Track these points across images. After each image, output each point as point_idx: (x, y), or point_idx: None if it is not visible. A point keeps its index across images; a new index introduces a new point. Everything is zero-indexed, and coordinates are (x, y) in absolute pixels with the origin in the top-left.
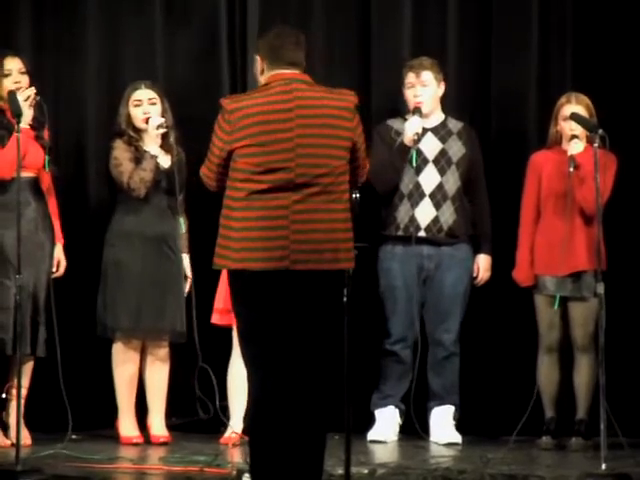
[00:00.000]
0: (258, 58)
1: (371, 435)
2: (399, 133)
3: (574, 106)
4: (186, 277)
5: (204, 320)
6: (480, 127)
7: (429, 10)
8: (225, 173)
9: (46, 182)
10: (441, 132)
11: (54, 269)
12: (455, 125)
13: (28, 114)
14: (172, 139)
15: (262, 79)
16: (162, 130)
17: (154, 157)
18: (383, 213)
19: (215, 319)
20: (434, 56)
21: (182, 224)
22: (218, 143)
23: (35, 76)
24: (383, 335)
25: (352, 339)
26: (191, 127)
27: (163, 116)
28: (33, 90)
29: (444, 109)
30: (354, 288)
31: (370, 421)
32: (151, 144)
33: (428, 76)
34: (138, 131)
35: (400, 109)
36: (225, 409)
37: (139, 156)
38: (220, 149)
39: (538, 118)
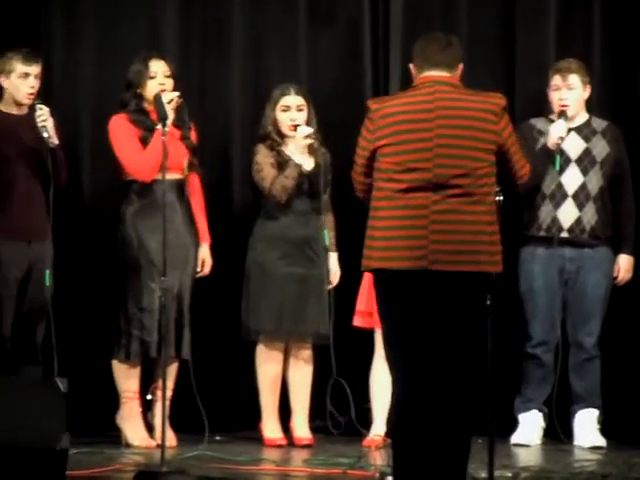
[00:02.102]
0: (411, 66)
1: (514, 439)
2: (542, 132)
3: None
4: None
5: (347, 322)
6: (627, 127)
7: (574, 11)
8: (369, 175)
9: (193, 183)
10: (585, 131)
11: (199, 269)
12: (599, 124)
13: (172, 116)
14: (316, 143)
15: (414, 83)
16: (310, 140)
17: (298, 165)
18: (525, 214)
19: (357, 321)
20: (578, 57)
21: (326, 225)
22: (362, 142)
23: (180, 78)
24: (525, 338)
25: (495, 342)
26: (333, 129)
27: (309, 122)
28: (177, 93)
29: (589, 110)
30: (496, 290)
31: (513, 424)
32: (295, 150)
33: (575, 79)
34: (282, 136)
35: (543, 111)
36: (367, 412)
37: (281, 161)
38: (364, 148)
39: None
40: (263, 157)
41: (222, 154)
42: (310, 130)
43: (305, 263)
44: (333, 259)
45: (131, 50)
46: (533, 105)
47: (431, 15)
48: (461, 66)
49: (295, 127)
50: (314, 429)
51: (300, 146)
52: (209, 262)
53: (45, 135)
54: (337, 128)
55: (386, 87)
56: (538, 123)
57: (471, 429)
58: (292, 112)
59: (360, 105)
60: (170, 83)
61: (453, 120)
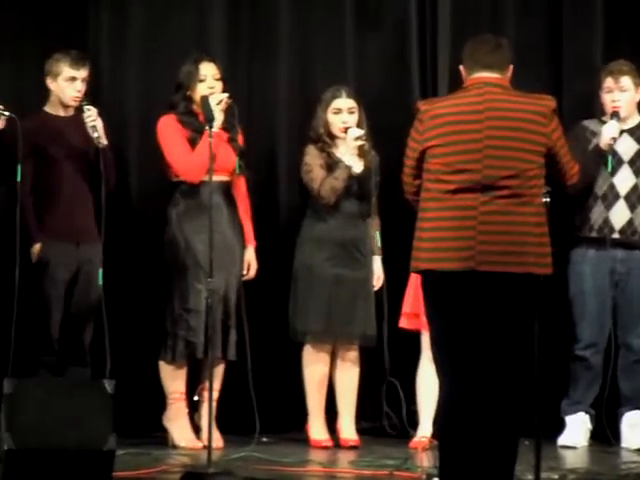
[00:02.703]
0: (461, 67)
1: (561, 440)
2: (594, 134)
3: None
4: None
5: (394, 323)
6: None
7: (621, 13)
8: (418, 176)
9: (239, 186)
10: (637, 133)
11: (245, 272)
12: None
13: (220, 118)
14: (366, 145)
15: (464, 85)
16: (360, 142)
17: (348, 167)
18: (576, 215)
19: (403, 323)
20: (625, 59)
21: (374, 227)
22: (412, 144)
23: (229, 80)
24: (573, 340)
25: (542, 344)
26: (381, 131)
27: (359, 125)
28: (226, 94)
29: None
30: (545, 292)
31: (560, 426)
32: (345, 152)
33: (627, 81)
34: (333, 138)
35: (591, 112)
36: (414, 413)
37: (331, 163)
38: (413, 149)
39: None
40: (313, 158)
41: (269, 156)
42: (360, 132)
43: (352, 265)
44: (377, 263)
45: (178, 52)
46: (581, 107)
47: (478, 17)
48: (511, 68)
49: (346, 129)
50: (361, 430)
51: (350, 148)
52: (255, 265)
53: (95, 135)
54: (384, 131)
55: (434, 89)
56: (591, 124)
57: (518, 431)
58: (343, 115)
59: (407, 108)
60: (219, 86)
61: (503, 121)
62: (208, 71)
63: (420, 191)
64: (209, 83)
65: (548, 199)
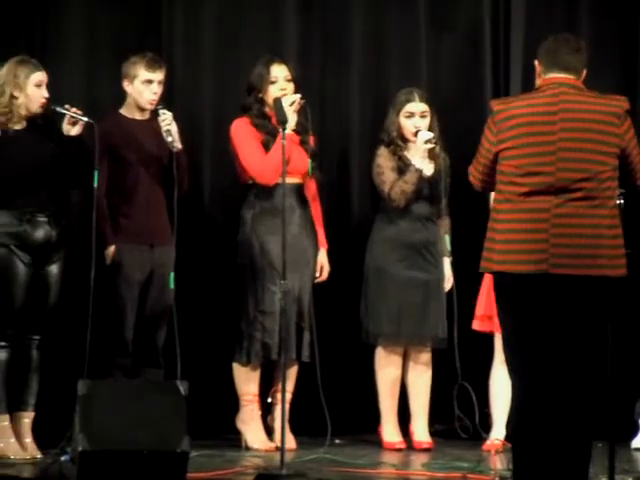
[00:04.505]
0: (536, 63)
1: (635, 443)
2: None
3: None
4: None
5: (466, 326)
6: None
7: None
8: (490, 175)
9: (311, 188)
10: None
11: (317, 274)
12: None
13: (293, 119)
14: (437, 148)
15: (537, 82)
16: (430, 145)
17: (418, 170)
18: None
19: (476, 325)
20: None
21: (445, 229)
22: (485, 144)
23: (301, 82)
24: None
25: (616, 346)
26: (454, 131)
27: (431, 128)
28: (298, 95)
29: None
30: (620, 294)
31: (634, 429)
32: (416, 155)
33: None
34: (405, 140)
35: None
36: (487, 416)
37: (402, 166)
38: (487, 150)
39: None
40: (384, 161)
41: (341, 158)
42: (430, 135)
43: (423, 267)
44: (447, 265)
45: (252, 55)
46: None
47: (552, 16)
48: (585, 71)
49: (416, 133)
50: (433, 433)
51: (421, 151)
52: (327, 268)
53: (169, 139)
54: (456, 131)
55: (507, 90)
56: None
57: (592, 433)
58: (416, 119)
59: (480, 108)
60: (291, 87)
61: (577, 123)
62: (279, 73)
63: (489, 183)
64: (281, 85)
65: (622, 201)
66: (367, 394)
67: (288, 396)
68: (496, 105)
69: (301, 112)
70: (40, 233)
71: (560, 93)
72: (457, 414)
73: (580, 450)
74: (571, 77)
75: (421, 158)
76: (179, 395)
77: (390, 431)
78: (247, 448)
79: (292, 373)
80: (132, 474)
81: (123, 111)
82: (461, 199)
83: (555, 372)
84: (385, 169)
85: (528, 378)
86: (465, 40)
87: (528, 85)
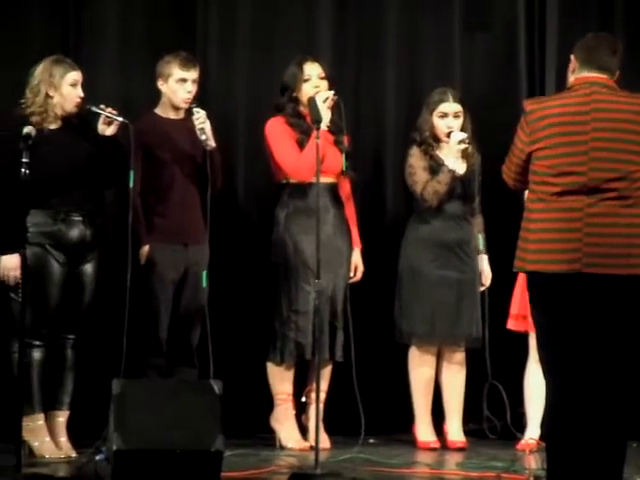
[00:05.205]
0: (573, 57)
1: None
2: None
3: None
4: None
5: (501, 325)
6: None
7: None
8: (523, 174)
9: (345, 188)
10: None
11: (351, 274)
12: None
13: (327, 116)
14: (470, 148)
15: (570, 79)
16: (463, 146)
17: (451, 171)
18: None
19: (511, 324)
20: None
21: (478, 227)
22: (518, 144)
23: (336, 81)
24: None
25: None
26: (488, 130)
27: (464, 128)
28: (332, 92)
29: None
30: None
31: None
32: (449, 155)
33: None
34: (438, 140)
35: None
36: (521, 415)
37: (434, 165)
38: (520, 150)
39: None
40: (416, 160)
41: (376, 157)
42: (464, 136)
43: (457, 266)
44: (484, 261)
45: (286, 54)
46: None
47: (586, 16)
48: (618, 72)
49: (449, 134)
50: (468, 432)
51: (454, 151)
52: (361, 268)
53: (203, 138)
54: (490, 131)
55: (541, 90)
56: None
57: (626, 433)
58: (449, 119)
59: (515, 108)
60: (325, 85)
61: (609, 123)
62: (312, 70)
63: (523, 182)
64: (314, 82)
65: None
66: (401, 394)
67: (322, 395)
68: (529, 105)
69: (335, 110)
70: (75, 232)
71: (592, 93)
72: (485, 414)
73: (614, 450)
74: (604, 76)
75: (454, 158)
76: (213, 394)
77: (424, 430)
78: (281, 447)
79: (326, 373)
80: (166, 473)
81: (158, 110)
82: (494, 198)
83: (589, 372)
84: (417, 169)
85: (562, 378)
86: (499, 40)
87: (562, 85)
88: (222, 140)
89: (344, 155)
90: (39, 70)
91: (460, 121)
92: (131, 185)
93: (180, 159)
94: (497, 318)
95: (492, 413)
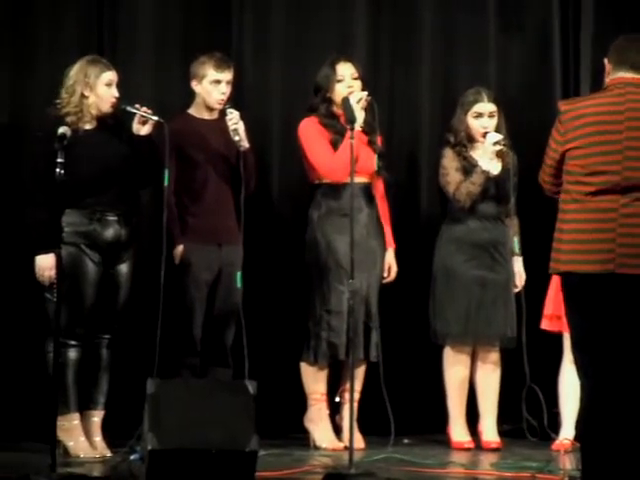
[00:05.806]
0: (606, 61)
1: None
2: None
3: None
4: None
5: (535, 325)
6: None
7: None
8: (557, 175)
9: (379, 188)
10: None
11: (385, 274)
12: None
13: (361, 117)
14: (505, 149)
15: (606, 81)
16: (499, 147)
17: (485, 172)
18: None
19: (545, 325)
20: None
21: (513, 228)
22: (552, 144)
23: (369, 81)
24: None
25: None
26: (523, 132)
27: (499, 128)
28: (365, 93)
29: None
30: None
31: None
32: (484, 156)
33: None
34: (472, 140)
35: None
36: (556, 416)
37: (467, 166)
38: (554, 150)
39: None
40: (450, 161)
41: (410, 158)
42: (499, 137)
43: (492, 267)
44: (518, 263)
45: (320, 54)
46: None
47: (621, 16)
48: None
49: (484, 134)
50: (502, 432)
51: (488, 152)
52: (394, 268)
53: (236, 138)
54: (525, 132)
55: (576, 90)
56: None
57: None
58: (484, 119)
59: (549, 109)
60: (358, 85)
61: None
62: (345, 71)
63: (561, 190)
64: (347, 82)
65: None
66: (436, 394)
67: (356, 395)
68: (563, 105)
69: (368, 110)
70: (110, 232)
71: (627, 93)
72: (525, 417)
73: None
74: (638, 77)
75: (488, 159)
76: (248, 394)
77: (459, 431)
78: (315, 447)
79: (360, 373)
80: (201, 473)
81: (192, 111)
82: (529, 199)
83: (623, 372)
84: (450, 170)
85: (597, 378)
86: (534, 41)
87: (597, 85)
88: (256, 141)
89: (377, 155)
90: (74, 70)
91: (495, 121)
92: (166, 184)
93: (214, 160)
94: (533, 319)
95: (530, 414)
